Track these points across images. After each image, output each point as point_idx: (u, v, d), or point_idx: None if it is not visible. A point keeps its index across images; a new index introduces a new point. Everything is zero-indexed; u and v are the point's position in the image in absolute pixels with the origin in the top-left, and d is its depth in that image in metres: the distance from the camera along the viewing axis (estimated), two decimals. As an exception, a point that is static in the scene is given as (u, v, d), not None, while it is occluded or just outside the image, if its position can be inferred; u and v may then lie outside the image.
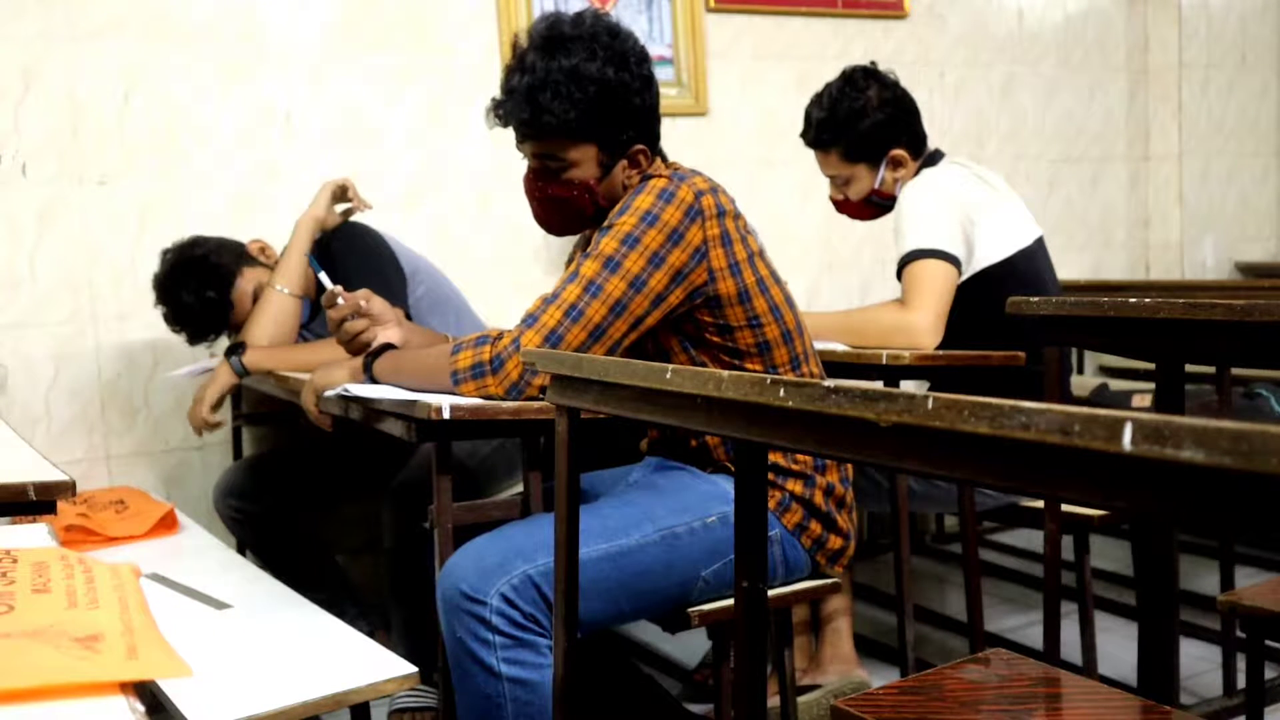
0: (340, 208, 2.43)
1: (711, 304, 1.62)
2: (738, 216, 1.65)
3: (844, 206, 2.46)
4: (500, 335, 1.57)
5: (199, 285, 2.29)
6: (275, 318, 2.29)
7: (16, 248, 2.49)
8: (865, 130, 2.32)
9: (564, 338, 1.54)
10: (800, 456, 1.66)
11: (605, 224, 1.61)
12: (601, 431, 1.74)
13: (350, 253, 2.34)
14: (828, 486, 1.68)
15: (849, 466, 1.74)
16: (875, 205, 2.42)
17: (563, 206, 1.72)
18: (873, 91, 2.32)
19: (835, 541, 1.71)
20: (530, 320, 1.55)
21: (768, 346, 1.67)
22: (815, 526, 1.68)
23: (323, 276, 1.90)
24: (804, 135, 2.41)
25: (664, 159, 1.76)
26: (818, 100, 2.37)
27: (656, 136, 1.74)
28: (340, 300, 1.79)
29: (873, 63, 2.39)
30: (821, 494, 1.67)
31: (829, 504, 1.68)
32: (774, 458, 1.65)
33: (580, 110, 1.63)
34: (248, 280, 2.34)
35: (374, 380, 1.73)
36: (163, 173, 2.61)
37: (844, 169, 2.38)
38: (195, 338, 2.37)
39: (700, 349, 1.66)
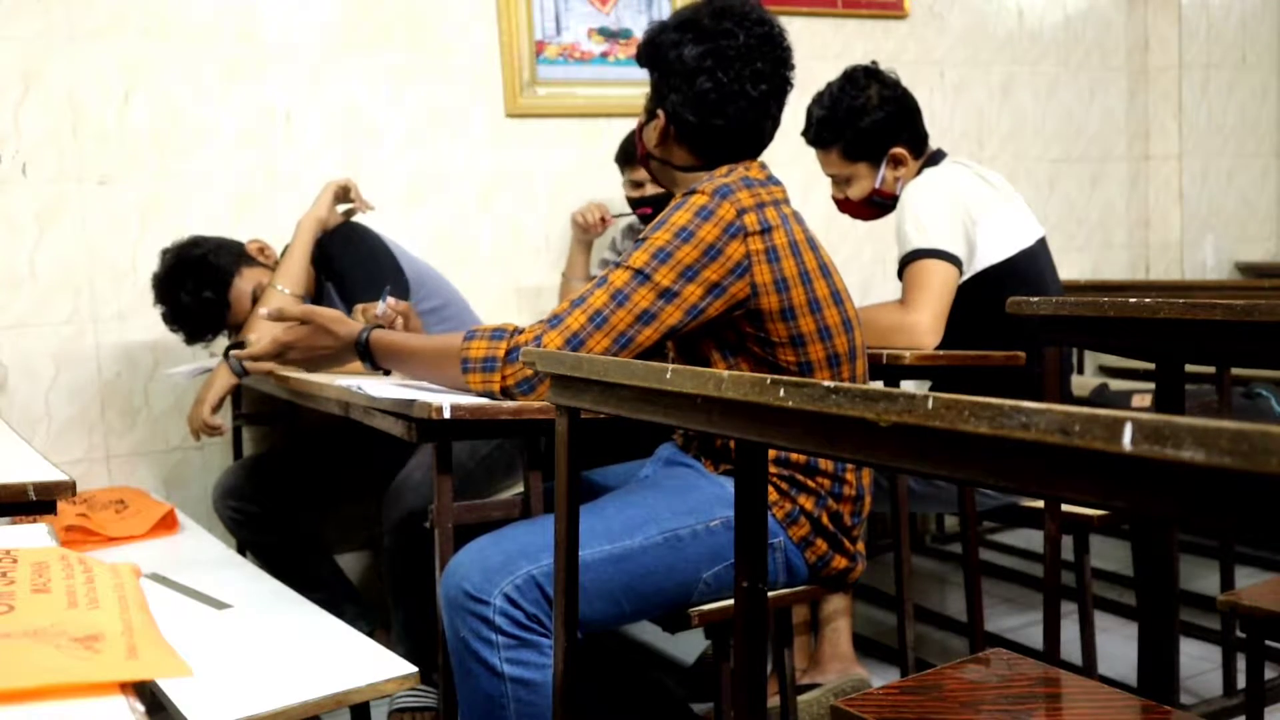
0: (341, 208, 2.43)
1: (753, 316, 1.60)
2: (790, 230, 1.61)
3: (845, 206, 2.46)
4: (518, 330, 1.56)
5: (197, 285, 2.29)
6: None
7: (16, 248, 2.49)
8: (865, 129, 2.32)
9: (586, 342, 1.52)
10: (820, 480, 1.65)
11: (640, 235, 1.60)
12: (614, 427, 1.73)
13: (347, 252, 2.34)
14: (835, 513, 1.66)
15: (867, 503, 1.72)
16: (876, 205, 2.41)
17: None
18: (873, 90, 2.32)
19: (841, 562, 1.69)
20: (555, 321, 1.54)
21: (810, 368, 1.63)
22: (821, 544, 1.66)
23: (386, 302, 1.86)
24: (805, 134, 2.41)
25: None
26: (819, 99, 2.37)
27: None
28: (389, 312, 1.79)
29: (874, 62, 2.39)
30: (829, 516, 1.66)
31: (836, 527, 1.67)
32: (791, 471, 1.64)
33: None
34: (246, 280, 2.34)
35: (369, 351, 1.69)
36: (163, 173, 2.61)
37: (844, 168, 2.38)
38: (192, 337, 2.37)
39: (739, 356, 1.64)
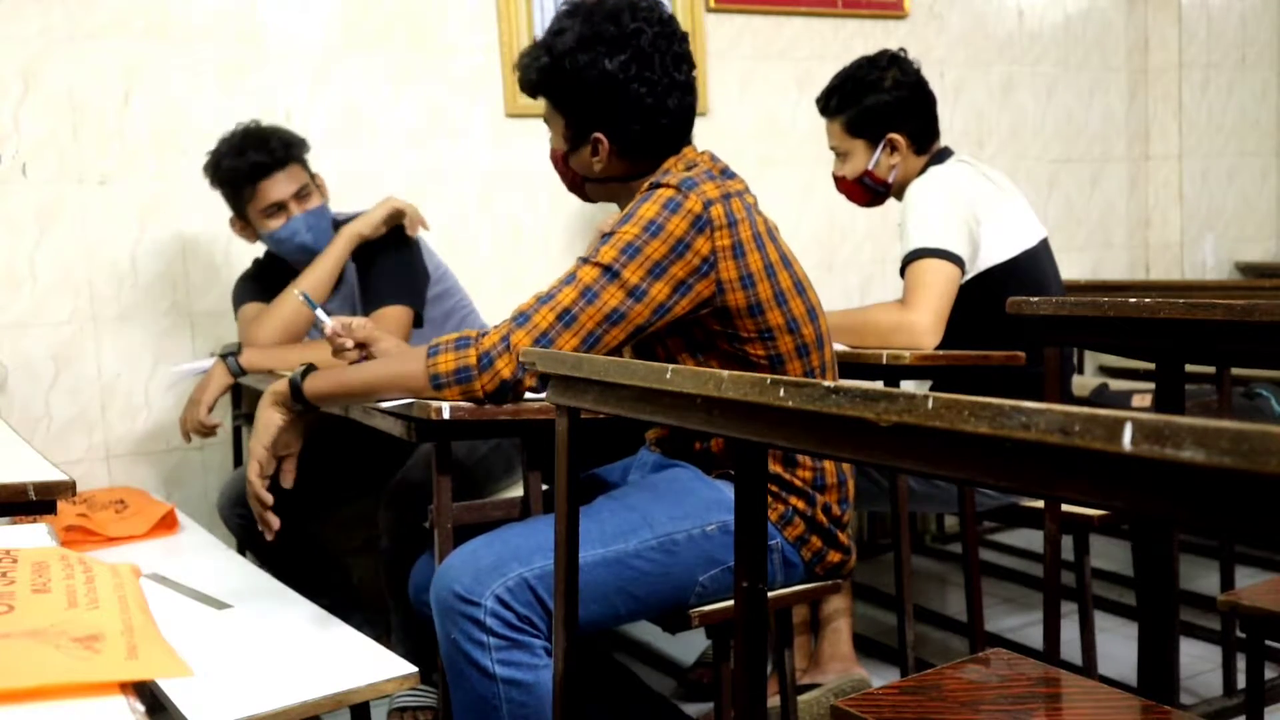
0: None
1: (720, 314, 1.59)
2: (755, 223, 1.61)
3: (841, 185, 2.47)
4: (481, 334, 1.53)
5: (254, 152, 2.27)
6: (286, 322, 2.28)
7: (16, 248, 2.49)
8: (869, 106, 2.34)
9: (554, 341, 1.51)
10: (801, 474, 1.65)
11: (608, 230, 1.60)
12: (604, 429, 1.73)
13: (385, 247, 2.35)
14: (825, 506, 1.67)
15: (850, 488, 1.73)
16: (867, 188, 2.42)
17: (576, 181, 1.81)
18: (891, 73, 2.35)
19: (835, 555, 1.70)
20: (522, 319, 1.52)
21: (780, 360, 1.63)
22: (816, 540, 1.67)
23: (319, 313, 1.78)
24: (817, 101, 2.44)
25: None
26: (840, 71, 2.40)
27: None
28: (338, 330, 1.68)
29: (903, 49, 2.41)
30: (821, 511, 1.67)
31: (828, 520, 1.68)
32: (775, 469, 1.64)
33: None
34: (287, 178, 2.30)
35: (305, 402, 1.64)
36: (163, 173, 2.61)
37: (844, 142, 2.41)
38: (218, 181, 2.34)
39: (709, 354, 1.63)
